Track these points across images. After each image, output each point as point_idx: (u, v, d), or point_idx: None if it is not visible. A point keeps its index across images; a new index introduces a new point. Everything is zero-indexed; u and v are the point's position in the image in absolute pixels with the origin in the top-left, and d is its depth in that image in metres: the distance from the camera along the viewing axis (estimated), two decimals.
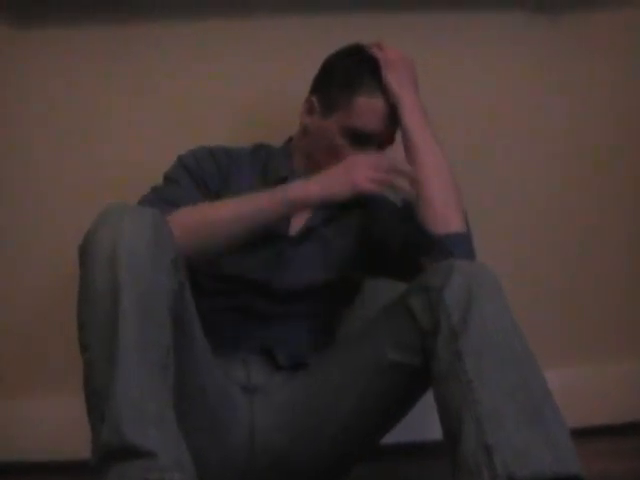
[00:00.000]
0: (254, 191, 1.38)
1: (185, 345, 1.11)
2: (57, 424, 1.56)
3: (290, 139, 1.47)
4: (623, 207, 1.72)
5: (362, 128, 1.32)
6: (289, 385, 1.26)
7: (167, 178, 1.37)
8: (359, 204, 1.41)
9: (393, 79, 1.32)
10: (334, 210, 1.41)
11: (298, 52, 1.59)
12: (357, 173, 1.18)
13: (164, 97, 1.61)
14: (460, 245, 1.24)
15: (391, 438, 1.28)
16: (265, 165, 1.43)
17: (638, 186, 1.73)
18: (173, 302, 1.03)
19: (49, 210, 1.60)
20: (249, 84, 1.61)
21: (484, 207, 1.57)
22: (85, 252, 1.01)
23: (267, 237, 1.30)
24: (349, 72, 1.35)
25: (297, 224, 1.39)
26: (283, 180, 1.40)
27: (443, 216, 1.25)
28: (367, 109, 1.32)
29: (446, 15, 1.64)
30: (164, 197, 1.31)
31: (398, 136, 1.36)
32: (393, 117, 1.33)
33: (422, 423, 1.43)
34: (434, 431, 1.13)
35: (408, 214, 1.31)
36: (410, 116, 1.31)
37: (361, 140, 1.33)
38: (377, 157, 1.24)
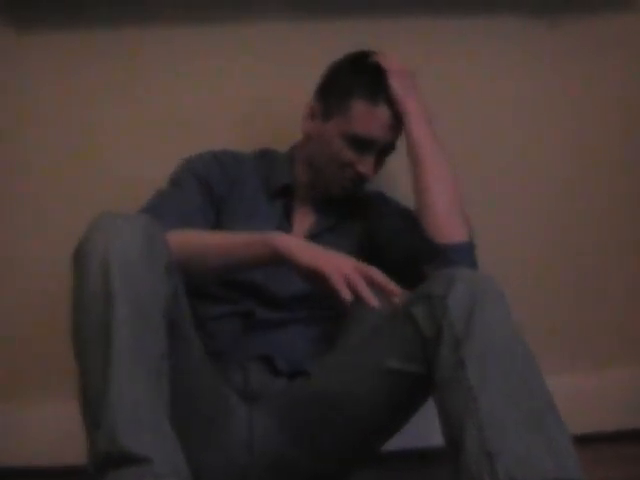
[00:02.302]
0: (258, 196, 1.39)
1: (180, 349, 1.11)
2: (56, 429, 1.55)
3: (295, 146, 1.47)
4: (623, 210, 1.72)
5: (361, 133, 1.32)
6: (288, 391, 1.26)
7: (172, 181, 1.37)
8: (360, 211, 1.42)
9: (399, 88, 1.32)
10: (336, 218, 1.42)
11: (300, 58, 1.59)
12: (336, 265, 1.07)
13: (164, 102, 1.61)
14: (463, 254, 1.25)
15: (393, 445, 1.28)
16: (269, 171, 1.43)
17: (637, 189, 1.73)
18: (167, 307, 1.03)
19: (48, 213, 1.60)
20: (251, 90, 1.62)
21: (485, 210, 1.57)
22: (78, 259, 1.01)
23: None
24: (350, 77, 1.36)
25: (299, 232, 1.40)
26: (285, 187, 1.40)
27: (447, 226, 1.26)
28: (366, 114, 1.32)
29: (443, 19, 1.64)
30: (166, 206, 1.31)
31: (399, 141, 1.37)
32: (395, 125, 1.34)
33: (424, 430, 1.42)
34: (436, 438, 1.12)
35: (411, 222, 1.31)
36: (416, 126, 1.31)
37: (360, 145, 1.33)
38: (371, 268, 1.10)
